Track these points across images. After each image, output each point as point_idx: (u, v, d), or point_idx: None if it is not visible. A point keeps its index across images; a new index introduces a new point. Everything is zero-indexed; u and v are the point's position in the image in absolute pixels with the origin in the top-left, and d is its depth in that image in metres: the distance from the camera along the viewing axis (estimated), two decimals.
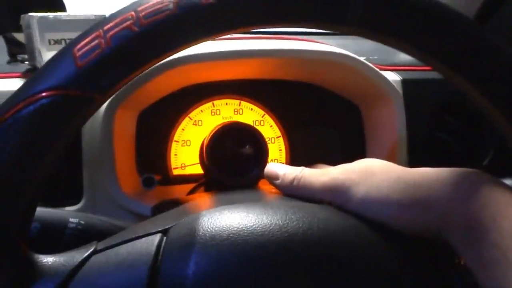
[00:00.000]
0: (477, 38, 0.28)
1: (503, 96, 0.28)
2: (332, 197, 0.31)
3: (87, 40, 0.25)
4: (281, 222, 0.27)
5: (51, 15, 0.54)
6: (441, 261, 0.28)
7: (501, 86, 0.28)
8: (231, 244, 0.26)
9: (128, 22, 0.25)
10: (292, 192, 0.35)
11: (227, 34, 0.27)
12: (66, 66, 0.24)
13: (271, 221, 0.27)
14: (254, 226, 0.27)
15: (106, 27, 0.25)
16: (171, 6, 0.25)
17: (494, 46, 0.29)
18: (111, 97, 0.51)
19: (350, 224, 0.29)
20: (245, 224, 0.27)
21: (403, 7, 0.27)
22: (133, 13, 0.25)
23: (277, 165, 0.39)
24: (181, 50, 0.26)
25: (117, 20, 0.25)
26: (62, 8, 0.68)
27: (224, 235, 0.26)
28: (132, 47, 0.25)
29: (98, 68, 0.24)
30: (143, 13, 0.25)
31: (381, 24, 0.27)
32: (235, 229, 0.27)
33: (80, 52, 0.24)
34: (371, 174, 0.31)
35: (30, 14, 0.54)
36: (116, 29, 0.25)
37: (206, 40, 0.27)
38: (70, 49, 0.25)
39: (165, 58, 0.26)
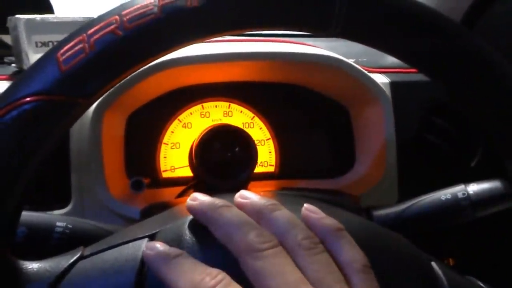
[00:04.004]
0: (463, 43, 0.29)
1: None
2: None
3: (71, 44, 0.25)
4: None
5: (38, 17, 0.53)
6: None
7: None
8: (217, 248, 0.25)
9: (112, 26, 0.25)
10: None
11: (212, 38, 0.27)
12: (50, 71, 0.24)
13: None
14: None
15: (90, 31, 0.25)
16: (155, 10, 0.25)
17: (481, 52, 0.29)
18: (99, 100, 0.51)
19: None
20: None
21: (389, 12, 0.28)
22: (117, 17, 0.25)
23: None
24: (166, 54, 0.26)
25: (101, 24, 0.25)
26: (49, 10, 0.67)
27: (210, 239, 0.26)
28: (116, 52, 0.25)
29: (82, 73, 0.24)
30: (127, 17, 0.25)
31: (366, 30, 0.28)
32: None
33: (64, 57, 0.24)
34: None
35: (17, 16, 0.53)
36: (100, 33, 0.24)
37: (191, 44, 0.26)
38: (53, 53, 0.25)
39: (150, 62, 0.26)
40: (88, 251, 0.28)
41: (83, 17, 0.55)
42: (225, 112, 0.62)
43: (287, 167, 0.63)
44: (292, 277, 0.23)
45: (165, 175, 0.60)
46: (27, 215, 0.36)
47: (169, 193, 0.57)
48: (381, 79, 0.59)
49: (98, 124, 0.51)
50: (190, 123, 0.61)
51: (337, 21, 0.27)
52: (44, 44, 0.54)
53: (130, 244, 0.27)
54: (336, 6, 0.27)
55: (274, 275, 0.23)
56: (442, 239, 0.57)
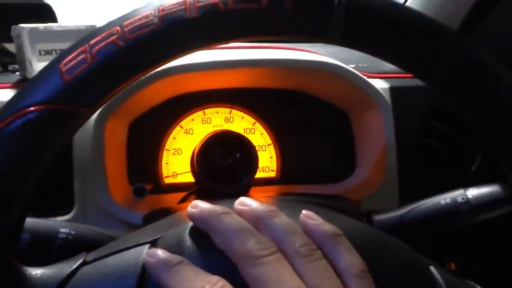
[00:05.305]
0: (460, 49, 0.29)
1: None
2: None
3: (73, 55, 0.25)
4: None
5: (41, 26, 0.54)
6: None
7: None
8: (217, 255, 0.26)
9: (113, 37, 0.25)
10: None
11: (211, 48, 0.27)
12: (53, 81, 0.25)
13: None
14: None
15: (91, 42, 0.25)
16: (155, 20, 0.25)
17: (478, 59, 0.29)
18: (102, 107, 0.51)
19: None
20: None
21: (386, 20, 0.28)
22: (118, 28, 0.25)
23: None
24: (166, 64, 0.27)
25: (102, 35, 0.25)
26: (53, 19, 0.68)
27: (211, 245, 0.26)
28: (118, 62, 0.25)
29: (84, 83, 0.25)
30: (128, 28, 0.25)
31: (363, 37, 0.28)
32: None
33: (66, 67, 0.25)
34: None
35: (21, 25, 0.54)
36: (102, 44, 0.25)
37: (190, 53, 0.27)
38: (56, 63, 0.25)
39: (151, 71, 0.27)
40: (91, 256, 0.28)
41: (86, 26, 0.55)
42: (226, 118, 0.62)
43: (288, 172, 0.63)
44: (290, 284, 0.23)
45: (167, 181, 0.61)
46: (30, 221, 0.37)
47: (171, 199, 0.58)
48: (381, 85, 0.60)
49: (101, 131, 0.51)
50: (192, 129, 0.61)
51: (334, 29, 0.28)
52: (47, 52, 0.54)
53: (132, 250, 0.28)
54: (334, 14, 0.27)
55: (273, 282, 0.23)
56: (443, 243, 0.58)
